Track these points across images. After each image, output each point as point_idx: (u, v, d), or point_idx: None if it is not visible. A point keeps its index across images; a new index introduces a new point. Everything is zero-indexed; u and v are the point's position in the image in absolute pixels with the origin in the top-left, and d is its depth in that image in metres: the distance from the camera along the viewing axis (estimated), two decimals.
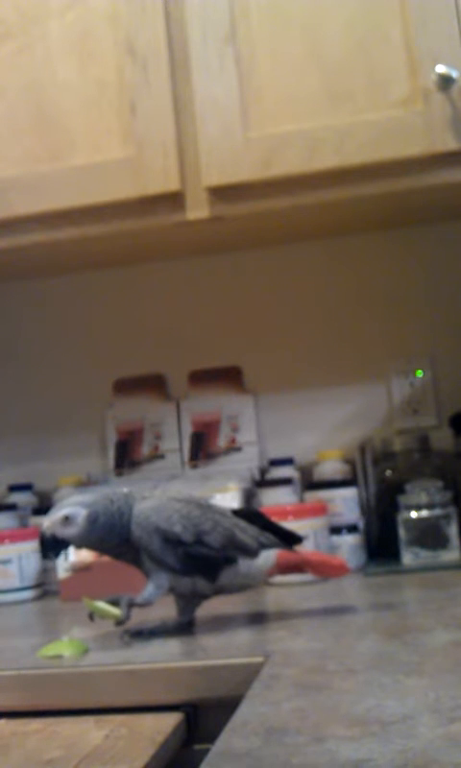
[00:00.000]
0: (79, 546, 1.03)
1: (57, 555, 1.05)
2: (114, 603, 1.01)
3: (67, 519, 1.00)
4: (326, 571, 1.10)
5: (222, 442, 1.59)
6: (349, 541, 1.36)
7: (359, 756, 0.54)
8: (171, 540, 1.00)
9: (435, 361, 1.56)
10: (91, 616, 1.02)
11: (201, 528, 1.01)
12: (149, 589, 1.01)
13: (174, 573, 1.01)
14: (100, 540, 1.01)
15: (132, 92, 1.28)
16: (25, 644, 1.03)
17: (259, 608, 1.14)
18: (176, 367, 1.64)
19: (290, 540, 1.07)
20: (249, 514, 1.09)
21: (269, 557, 1.04)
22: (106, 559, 1.20)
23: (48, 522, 1.01)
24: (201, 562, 1.01)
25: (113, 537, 1.00)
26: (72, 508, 1.00)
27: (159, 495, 1.03)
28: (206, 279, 1.64)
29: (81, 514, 1.00)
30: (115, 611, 1.00)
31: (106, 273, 1.67)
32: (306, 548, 1.20)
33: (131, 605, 1.00)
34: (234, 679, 0.83)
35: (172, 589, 1.02)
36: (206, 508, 1.04)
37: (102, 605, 1.00)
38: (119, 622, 1.00)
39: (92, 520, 1.00)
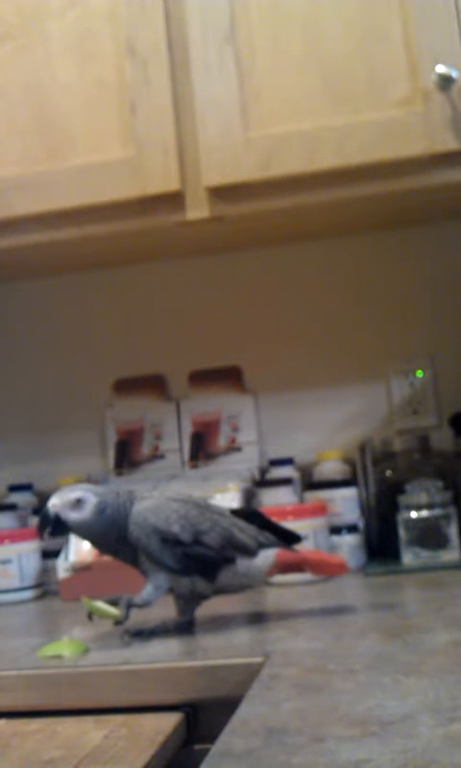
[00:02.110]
0: (79, 533, 1.02)
1: (53, 536, 1.02)
2: (113, 603, 1.01)
3: (79, 502, 0.99)
4: (325, 570, 1.10)
5: (222, 442, 1.59)
6: (349, 541, 1.36)
7: (359, 756, 0.54)
8: (169, 541, 1.00)
9: (435, 361, 1.56)
10: (90, 616, 1.02)
11: (199, 528, 1.01)
12: (148, 590, 1.00)
13: (172, 573, 1.01)
14: (101, 533, 1.00)
15: (132, 92, 1.28)
16: (25, 644, 1.03)
17: (259, 608, 1.14)
18: (176, 367, 1.64)
19: (289, 539, 1.07)
20: (247, 513, 1.09)
21: (268, 556, 1.04)
22: (106, 559, 1.21)
23: (57, 501, 0.99)
24: (199, 562, 1.01)
25: (113, 532, 1.00)
26: (84, 492, 1.00)
27: (157, 496, 1.03)
28: (206, 279, 1.64)
29: (91, 500, 0.99)
30: (114, 611, 1.00)
31: (106, 273, 1.67)
32: (306, 548, 1.20)
33: (129, 605, 1.00)
34: (234, 679, 0.83)
35: (171, 590, 1.02)
36: (205, 508, 1.04)
37: (101, 605, 1.00)
38: (118, 622, 1.00)
39: (101, 510, 0.99)
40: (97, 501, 0.99)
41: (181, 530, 1.00)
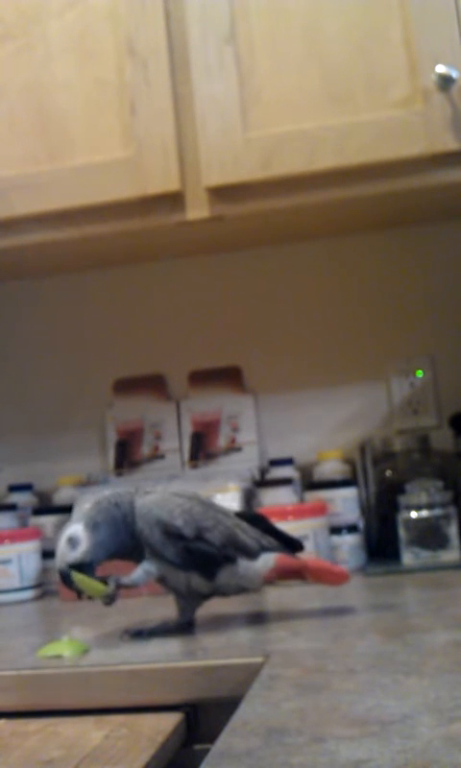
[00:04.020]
0: (95, 561, 1.00)
1: (88, 577, 0.99)
2: (103, 582, 1.00)
3: (72, 540, 0.98)
4: (326, 578, 1.08)
5: (222, 442, 1.59)
6: (349, 541, 1.36)
7: (359, 756, 0.54)
8: (172, 534, 1.00)
9: (435, 361, 1.56)
10: (79, 594, 1.01)
11: (202, 524, 1.01)
12: (137, 572, 1.00)
13: (171, 567, 1.01)
14: (112, 542, 1.00)
15: (132, 92, 1.28)
16: (25, 644, 1.03)
17: (259, 608, 1.14)
18: (176, 367, 1.64)
19: (291, 545, 1.07)
20: (251, 516, 1.09)
21: (268, 560, 1.04)
22: None
23: (58, 555, 0.99)
24: (199, 558, 1.01)
25: (121, 534, 1.00)
26: (69, 530, 0.99)
27: (162, 491, 1.03)
28: (206, 279, 1.64)
29: (79, 528, 0.99)
30: (102, 587, 0.99)
31: (106, 273, 1.67)
32: (306, 549, 1.19)
33: (118, 584, 1.00)
34: (234, 679, 0.83)
35: (166, 582, 1.02)
36: (209, 506, 1.04)
37: (90, 580, 1.00)
38: (105, 600, 0.99)
39: (92, 527, 0.99)
40: (83, 524, 0.99)
41: (184, 524, 1.00)
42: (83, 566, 0.99)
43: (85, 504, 1.02)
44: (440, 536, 1.30)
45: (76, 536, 0.99)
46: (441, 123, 1.19)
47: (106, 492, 1.04)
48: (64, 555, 0.99)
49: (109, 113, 1.30)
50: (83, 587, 1.00)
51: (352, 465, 1.48)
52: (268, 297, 1.62)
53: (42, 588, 1.41)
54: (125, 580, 1.00)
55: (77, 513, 1.02)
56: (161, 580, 1.02)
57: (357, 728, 0.60)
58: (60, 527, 1.38)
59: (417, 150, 1.20)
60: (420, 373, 1.56)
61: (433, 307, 1.56)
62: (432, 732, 0.57)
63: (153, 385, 1.65)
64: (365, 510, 1.41)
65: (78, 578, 0.99)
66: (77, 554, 0.98)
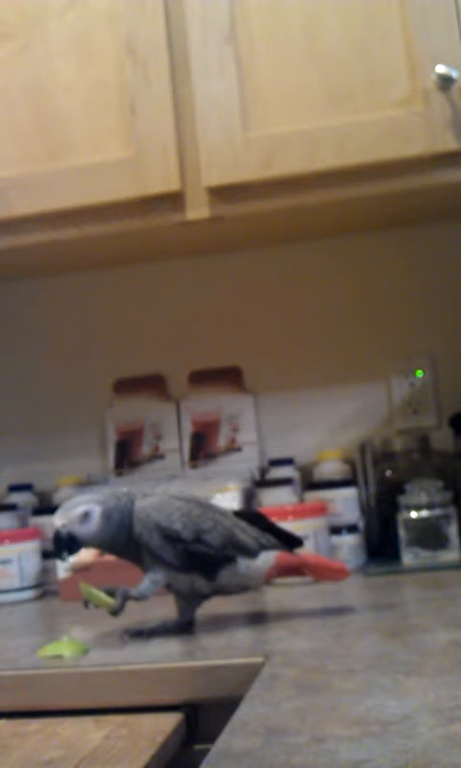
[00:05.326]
0: (90, 545, 1.02)
1: (71, 554, 1.01)
2: (110, 594, 1.01)
3: (86, 516, 0.99)
4: (325, 574, 1.09)
5: (222, 442, 1.59)
6: (349, 542, 1.36)
7: (359, 756, 0.54)
8: (170, 538, 1.00)
9: (435, 361, 1.56)
10: (86, 603, 1.02)
11: (201, 527, 1.01)
12: (145, 583, 1.01)
13: (172, 570, 1.01)
14: (112, 538, 1.01)
15: (132, 92, 1.28)
16: (25, 644, 1.03)
17: (259, 608, 1.14)
18: (176, 367, 1.64)
19: (291, 542, 1.07)
20: (250, 515, 1.09)
21: (268, 558, 1.04)
22: (106, 559, 1.21)
23: (64, 520, 0.99)
24: (199, 559, 1.01)
25: (122, 535, 1.00)
26: (87, 505, 1.00)
27: (160, 493, 1.03)
28: (206, 279, 1.64)
29: (96, 511, 0.99)
30: (109, 599, 1.00)
31: (106, 273, 1.67)
32: (306, 549, 1.20)
33: (125, 597, 1.00)
34: (234, 679, 0.83)
35: (169, 586, 1.02)
36: (207, 507, 1.04)
37: (97, 592, 1.00)
38: (112, 613, 0.99)
39: (107, 517, 0.99)
40: (102, 510, 0.99)
41: (182, 527, 1.00)
42: (75, 541, 0.99)
43: (96, 494, 1.02)
44: (440, 536, 1.30)
45: (92, 515, 0.99)
46: (441, 123, 1.19)
47: (123, 489, 1.04)
48: (72, 522, 0.99)
49: (109, 113, 1.30)
50: (89, 597, 1.00)
51: (352, 465, 1.48)
52: (268, 297, 1.62)
53: (42, 588, 1.41)
54: (133, 593, 1.00)
55: (95, 494, 1.02)
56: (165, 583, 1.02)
57: (357, 728, 0.60)
58: None
59: (417, 150, 1.20)
60: (420, 373, 1.55)
61: (433, 307, 1.56)
62: (432, 731, 0.57)
63: (153, 385, 1.65)
64: (365, 510, 1.41)
65: (86, 589, 0.99)
66: (82, 531, 0.99)
